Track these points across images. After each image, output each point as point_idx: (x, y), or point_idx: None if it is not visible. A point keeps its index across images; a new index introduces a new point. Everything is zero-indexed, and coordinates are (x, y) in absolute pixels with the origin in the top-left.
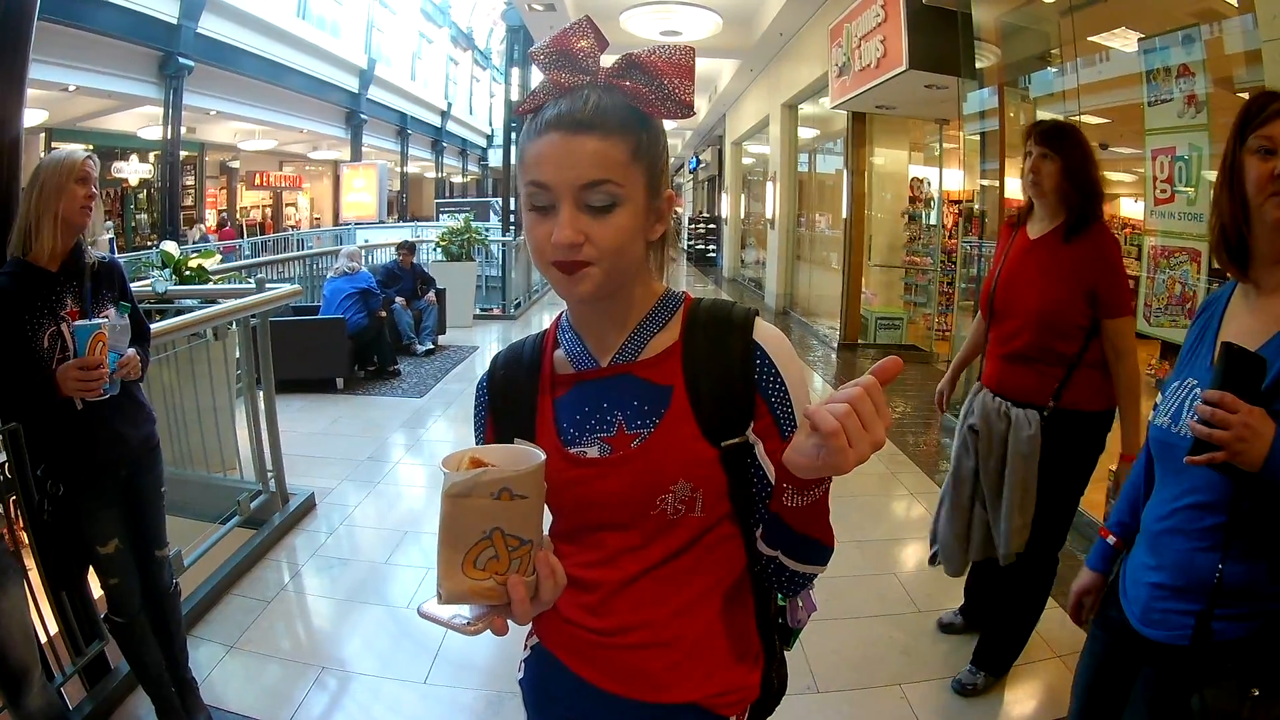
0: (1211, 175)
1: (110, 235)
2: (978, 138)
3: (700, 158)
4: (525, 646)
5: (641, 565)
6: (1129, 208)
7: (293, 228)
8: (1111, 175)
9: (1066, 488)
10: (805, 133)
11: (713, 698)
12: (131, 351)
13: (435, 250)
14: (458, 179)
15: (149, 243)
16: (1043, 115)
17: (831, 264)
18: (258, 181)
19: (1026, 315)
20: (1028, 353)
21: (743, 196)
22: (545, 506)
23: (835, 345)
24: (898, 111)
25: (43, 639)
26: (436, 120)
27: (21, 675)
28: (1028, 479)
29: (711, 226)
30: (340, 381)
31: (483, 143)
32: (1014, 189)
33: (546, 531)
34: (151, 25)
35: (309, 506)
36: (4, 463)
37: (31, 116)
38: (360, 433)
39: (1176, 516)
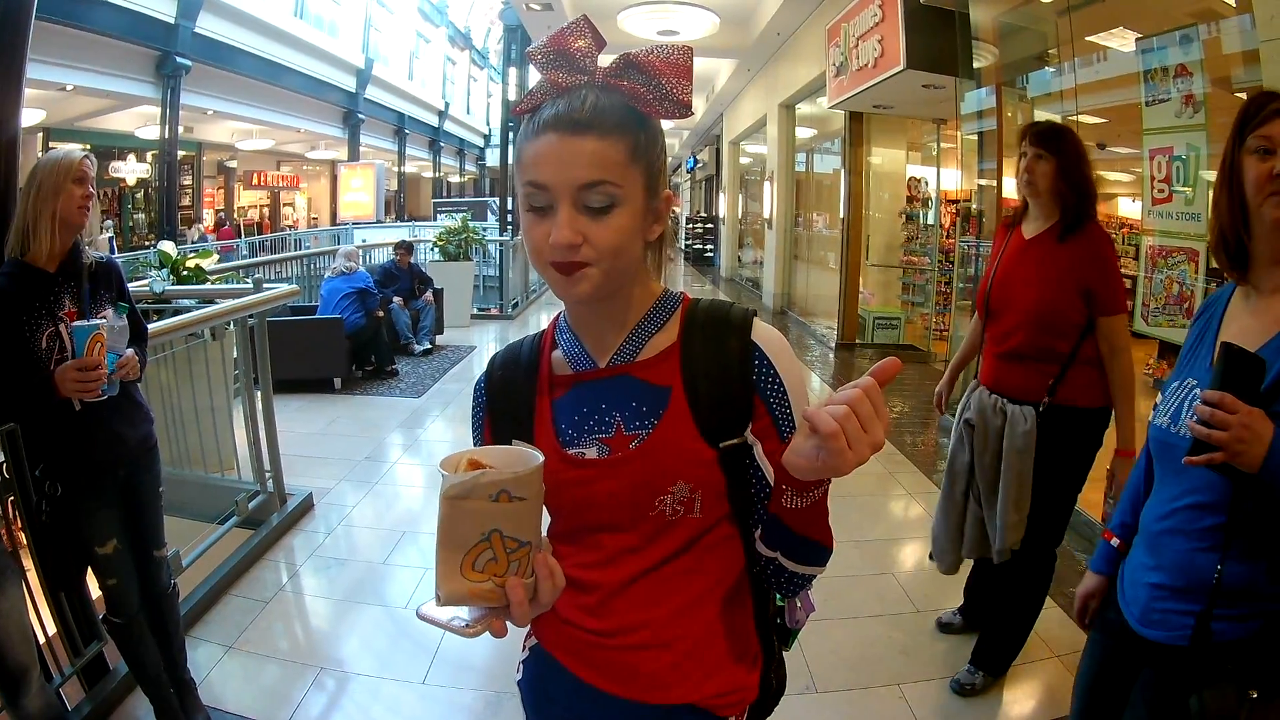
0: (1209, 175)
1: (110, 234)
2: (975, 137)
3: (698, 157)
4: (524, 647)
5: (640, 566)
6: (1127, 207)
7: (290, 227)
8: (1109, 175)
9: (1063, 485)
10: (803, 132)
11: (711, 698)
12: (130, 352)
13: (433, 250)
14: (455, 179)
15: (146, 243)
16: (1040, 115)
17: (829, 264)
18: (255, 181)
19: (1022, 314)
20: (1023, 351)
21: (740, 196)
22: (544, 508)
23: (833, 345)
24: (895, 111)
25: (41, 640)
26: (434, 120)
27: (20, 676)
28: (1024, 474)
29: (709, 226)
30: (338, 381)
31: (480, 142)
32: (1011, 189)
33: (545, 532)
34: (149, 25)
35: (307, 507)
36: (2, 463)
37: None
38: (358, 433)
39: (1176, 517)
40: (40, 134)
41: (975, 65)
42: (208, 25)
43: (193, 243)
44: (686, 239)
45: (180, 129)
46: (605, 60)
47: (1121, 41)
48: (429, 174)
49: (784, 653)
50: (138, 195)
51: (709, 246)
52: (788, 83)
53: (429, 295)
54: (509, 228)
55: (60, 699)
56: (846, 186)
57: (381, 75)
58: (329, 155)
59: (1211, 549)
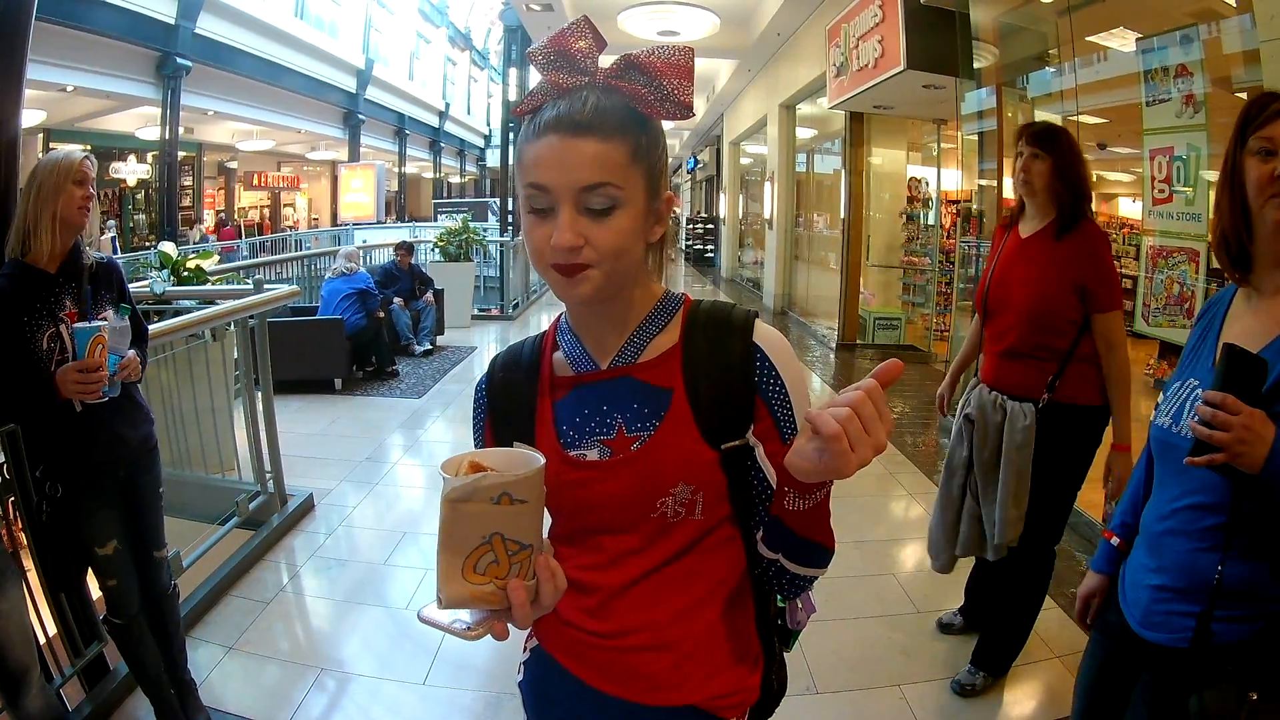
0: (1210, 175)
1: (112, 234)
2: (976, 138)
3: (698, 158)
4: (524, 649)
5: (641, 568)
6: (1127, 207)
7: (291, 228)
8: (1110, 175)
9: (1062, 482)
10: (803, 133)
11: (712, 700)
12: (132, 353)
13: (433, 251)
14: (456, 179)
15: (147, 243)
16: (1041, 115)
17: (829, 264)
18: (256, 182)
19: (1018, 312)
20: (1021, 348)
21: (741, 197)
22: (545, 510)
23: (833, 345)
24: (895, 111)
25: (41, 640)
26: (434, 120)
27: (20, 676)
28: (1023, 470)
29: (709, 227)
30: (338, 382)
31: (481, 143)
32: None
33: (546, 534)
34: (149, 25)
35: (307, 507)
36: (2, 464)
37: (29, 117)
38: (359, 433)
39: (1177, 517)
40: (41, 135)
41: (975, 65)
42: (208, 26)
43: (194, 243)
44: (687, 239)
45: (181, 130)
46: (606, 61)
47: (1122, 41)
48: (429, 175)
49: (785, 654)
50: (138, 196)
51: (709, 247)
52: (788, 83)
53: (429, 296)
54: (509, 228)
55: (60, 699)
56: (847, 187)
57: (382, 76)
58: (329, 156)
59: (1212, 549)
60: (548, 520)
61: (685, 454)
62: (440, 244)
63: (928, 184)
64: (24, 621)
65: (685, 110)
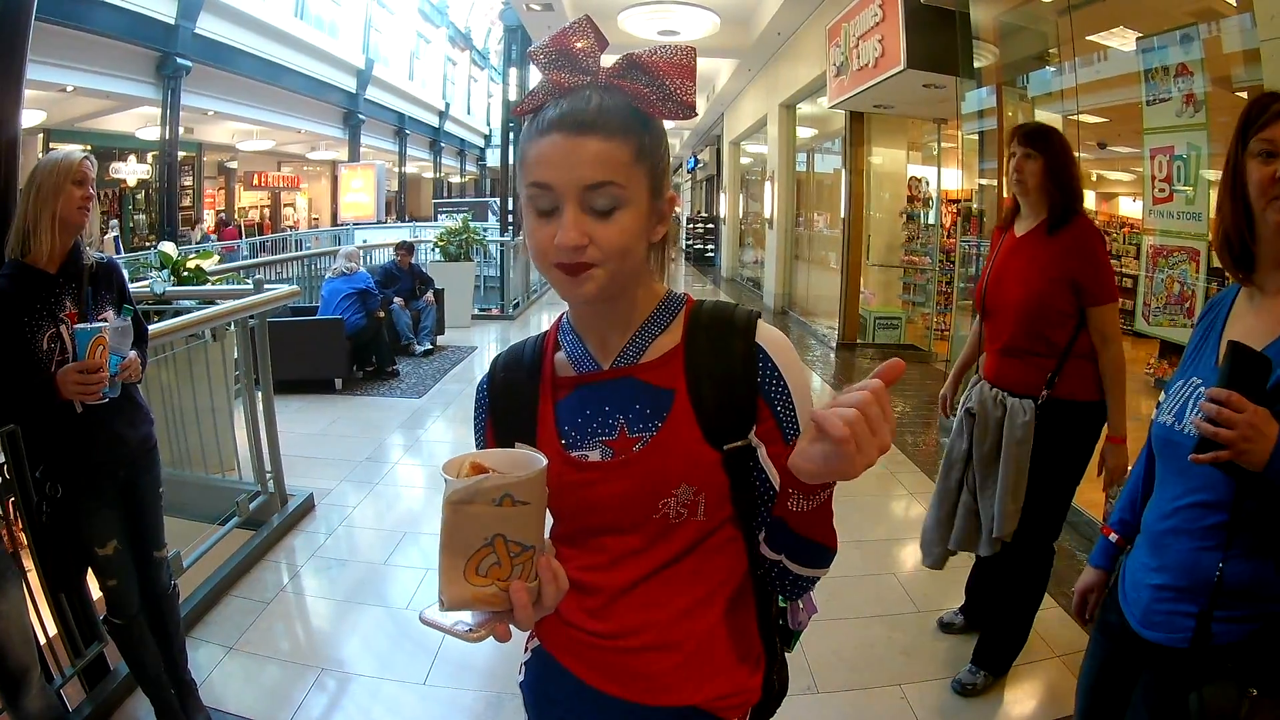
0: (1210, 174)
1: (115, 234)
2: (976, 137)
3: (698, 157)
4: (526, 649)
5: (643, 569)
6: (1128, 207)
7: (291, 228)
8: (1110, 174)
9: (1060, 477)
10: (803, 132)
11: (714, 701)
12: (133, 354)
13: (433, 250)
14: (456, 179)
15: (147, 243)
16: (1041, 115)
17: (830, 264)
18: (256, 182)
19: (1013, 308)
20: (1018, 345)
21: (741, 196)
22: (547, 510)
23: (834, 345)
24: (896, 111)
25: (42, 640)
26: (434, 120)
27: (20, 676)
28: (1021, 465)
29: (710, 226)
30: (339, 382)
31: (481, 143)
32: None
33: (548, 535)
34: (149, 25)
35: (308, 507)
36: (2, 464)
37: (29, 117)
38: (359, 433)
39: (1179, 516)
40: (41, 135)
41: (976, 65)
42: (208, 26)
43: (196, 243)
44: (687, 239)
45: (181, 130)
46: (608, 61)
47: (1122, 41)
48: (429, 174)
49: (786, 654)
50: (138, 196)
51: (710, 246)
52: (788, 83)
53: (430, 296)
54: (510, 228)
55: (61, 700)
56: (847, 186)
57: (382, 76)
58: (329, 156)
59: (1214, 548)
60: (549, 520)
61: (687, 455)
62: (440, 244)
63: (928, 183)
64: (24, 622)
65: (688, 110)
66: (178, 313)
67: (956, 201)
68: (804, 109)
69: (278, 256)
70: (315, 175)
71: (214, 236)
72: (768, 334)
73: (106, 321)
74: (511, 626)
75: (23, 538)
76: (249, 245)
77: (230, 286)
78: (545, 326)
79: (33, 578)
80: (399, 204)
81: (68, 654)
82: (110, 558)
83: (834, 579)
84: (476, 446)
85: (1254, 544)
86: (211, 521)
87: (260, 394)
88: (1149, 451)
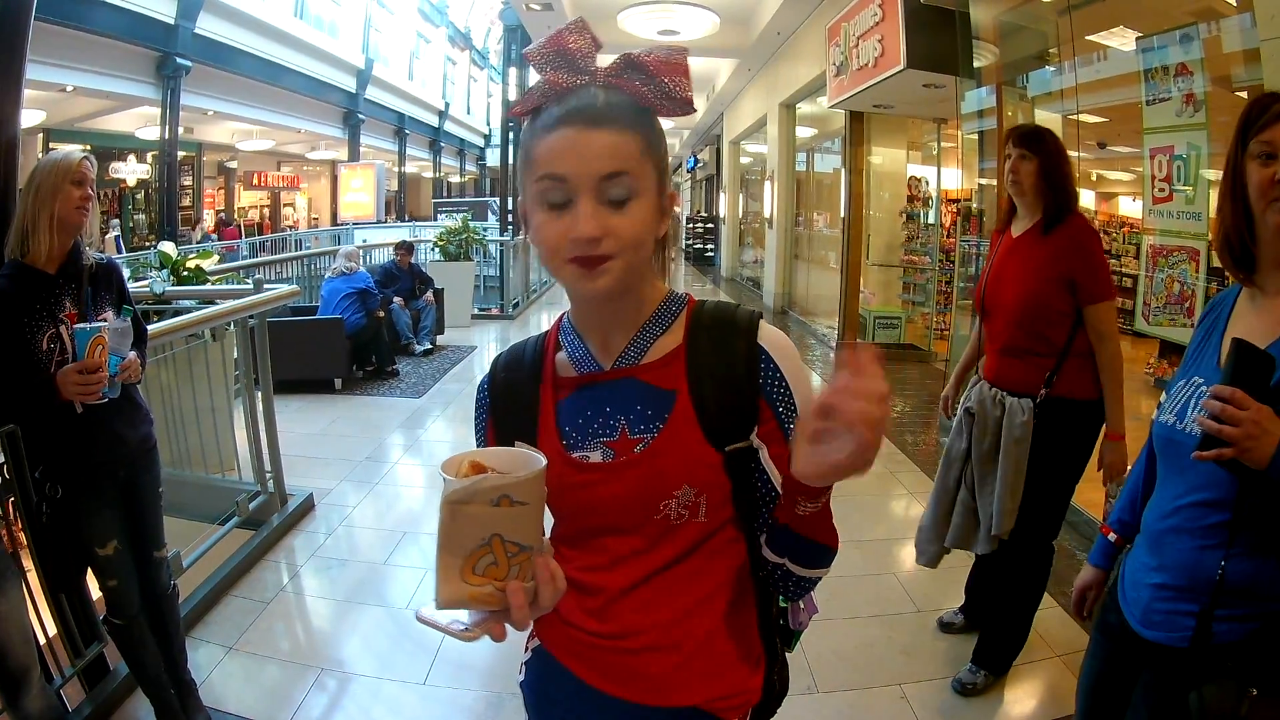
0: (1210, 174)
1: (116, 234)
2: (976, 137)
3: (698, 157)
4: (526, 649)
5: (644, 570)
6: (1127, 206)
7: (290, 228)
8: (1110, 174)
9: (1059, 476)
10: (803, 132)
11: (714, 701)
12: (132, 355)
13: (433, 250)
14: (455, 179)
15: (147, 243)
16: (1041, 114)
17: (830, 263)
18: (255, 182)
19: (1012, 309)
20: (1017, 344)
21: (741, 196)
22: (546, 509)
23: (833, 344)
24: (895, 111)
25: (42, 641)
26: (434, 120)
27: (21, 677)
28: (1020, 464)
29: (709, 226)
30: (338, 382)
31: (480, 142)
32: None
33: (548, 535)
34: (149, 25)
35: (308, 507)
36: (2, 464)
37: (29, 117)
38: (359, 433)
39: (1180, 515)
40: (40, 135)
41: (975, 65)
42: (208, 26)
43: (196, 243)
44: (687, 239)
45: (180, 130)
46: (603, 61)
47: (1122, 40)
48: (429, 174)
49: (786, 654)
50: (138, 196)
51: (709, 246)
52: (788, 82)
53: (429, 295)
54: (509, 228)
55: (61, 700)
56: (847, 186)
57: (382, 75)
58: (329, 155)
59: (1215, 547)
60: (550, 520)
61: (689, 456)
62: (440, 243)
63: (928, 183)
64: (24, 622)
65: (686, 106)
66: (177, 313)
67: (956, 201)
68: (804, 109)
69: (277, 256)
70: (315, 175)
71: (214, 236)
72: (770, 335)
73: (106, 322)
74: (508, 626)
75: (23, 538)
76: (249, 245)
77: (230, 286)
78: (545, 326)
79: (33, 578)
80: (399, 204)
81: (68, 654)
82: (110, 558)
83: (834, 579)
84: (478, 446)
85: (1256, 542)
86: (211, 521)
87: (260, 394)
88: (1149, 451)
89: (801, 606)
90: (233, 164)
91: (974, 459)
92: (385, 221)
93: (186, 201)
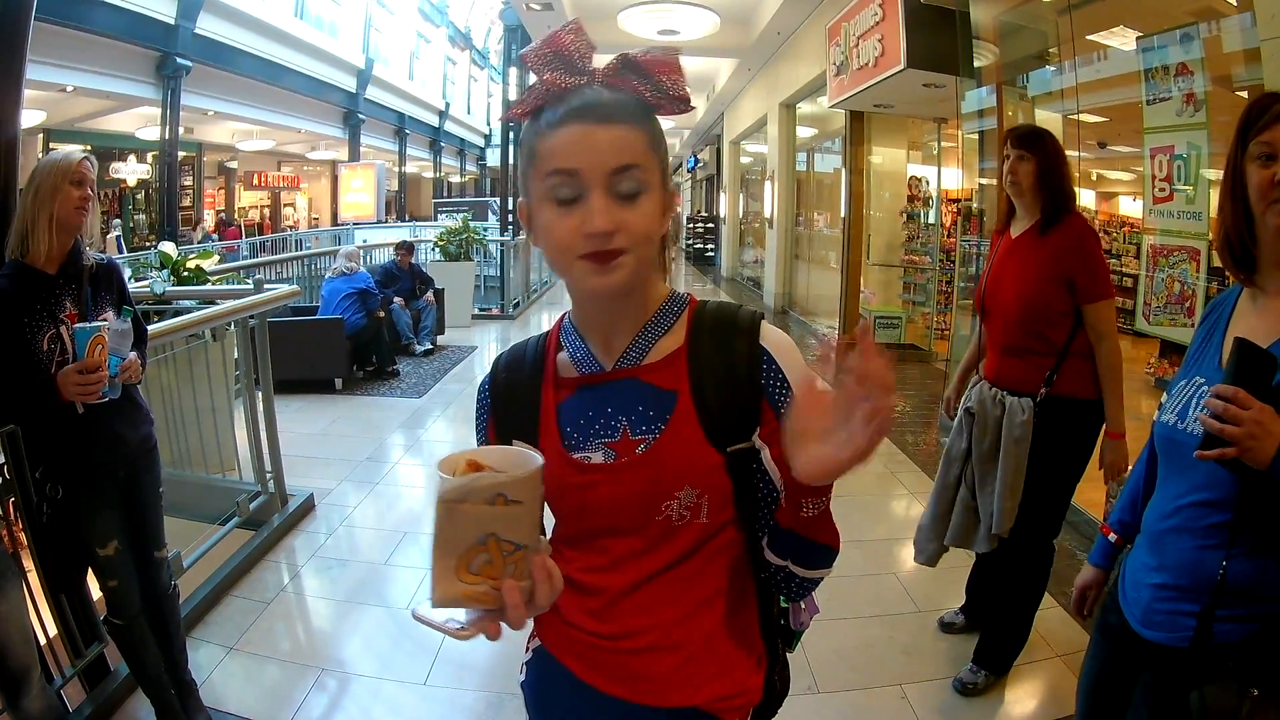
0: (1210, 174)
1: (118, 234)
2: (976, 136)
3: (698, 157)
4: (527, 649)
5: (646, 571)
6: (1128, 206)
7: (291, 228)
8: (1110, 174)
9: (1060, 475)
10: (803, 132)
11: (715, 702)
12: (133, 355)
13: (434, 250)
14: (456, 179)
15: (147, 243)
16: (1041, 114)
17: (830, 263)
18: (256, 182)
19: (1012, 309)
20: (1018, 344)
21: (741, 196)
22: (548, 509)
23: (834, 345)
24: (896, 110)
25: (42, 641)
26: (434, 120)
27: (21, 677)
28: (1020, 463)
29: (710, 226)
30: (339, 382)
31: (481, 142)
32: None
33: (550, 535)
34: (149, 25)
35: (308, 507)
36: (3, 465)
37: (29, 117)
38: (359, 433)
39: (1181, 514)
40: (41, 135)
41: (976, 64)
42: (208, 26)
43: (197, 243)
44: (688, 238)
45: (181, 130)
46: (599, 62)
47: (1122, 40)
48: (429, 174)
49: (787, 654)
50: (138, 196)
51: (710, 246)
52: (788, 82)
53: (430, 295)
54: (510, 228)
55: (61, 700)
56: (847, 186)
57: (382, 75)
58: (329, 156)
59: (1216, 547)
60: (551, 520)
61: (691, 457)
62: (440, 243)
63: (928, 183)
64: (24, 622)
65: (683, 104)
66: (178, 313)
67: (957, 201)
68: (804, 108)
69: (278, 256)
70: (315, 175)
71: (216, 236)
72: (772, 335)
73: (106, 321)
74: (505, 626)
75: (23, 538)
76: (249, 245)
77: (230, 286)
78: (546, 326)
79: (33, 578)
80: (399, 204)
81: (68, 654)
82: (111, 558)
83: (834, 579)
84: (479, 446)
85: (1257, 543)
86: (212, 522)
87: (260, 394)
88: (1150, 452)
89: (803, 606)
90: (233, 164)
91: (974, 458)
92: (386, 221)
93: (187, 202)
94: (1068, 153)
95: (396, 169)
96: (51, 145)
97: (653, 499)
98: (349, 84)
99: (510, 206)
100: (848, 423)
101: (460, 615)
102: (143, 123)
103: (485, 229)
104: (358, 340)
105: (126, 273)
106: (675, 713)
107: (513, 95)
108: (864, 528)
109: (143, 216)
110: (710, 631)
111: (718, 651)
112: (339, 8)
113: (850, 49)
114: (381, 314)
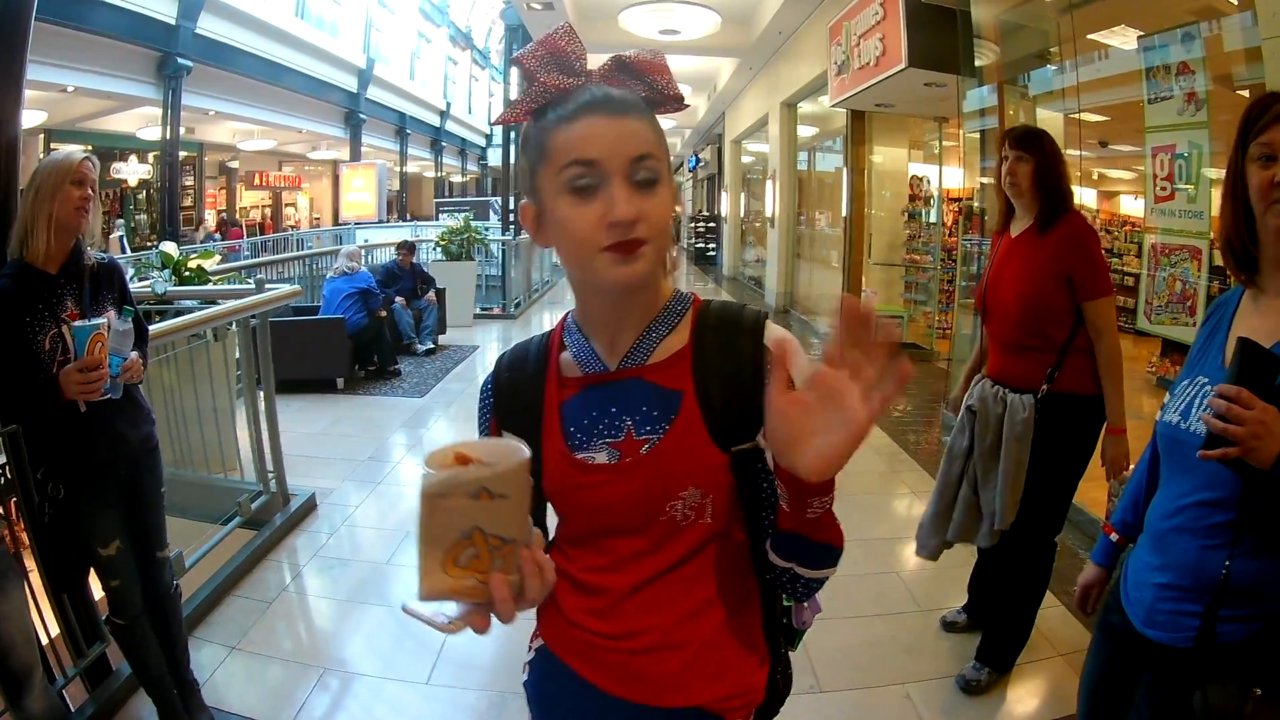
0: (1211, 173)
1: (121, 233)
2: (977, 135)
3: (700, 156)
4: (530, 648)
5: (650, 571)
6: (1129, 205)
7: (292, 228)
8: (1111, 173)
9: (1062, 472)
10: (804, 131)
11: (718, 701)
12: (134, 355)
13: (435, 250)
14: (457, 178)
15: (149, 243)
16: (1042, 113)
17: (831, 262)
18: (257, 181)
19: (1012, 309)
20: (1018, 342)
21: (742, 195)
22: (548, 505)
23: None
24: (897, 109)
25: (44, 641)
26: (435, 120)
27: (23, 677)
28: (1021, 460)
29: (711, 225)
30: (340, 382)
31: (482, 142)
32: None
33: (553, 535)
34: (150, 25)
35: (310, 507)
36: (4, 465)
37: (30, 117)
38: (361, 433)
39: (1184, 514)
40: (41, 135)
41: (977, 63)
42: (209, 26)
43: (201, 242)
44: (689, 238)
45: (182, 130)
46: (591, 65)
47: (1123, 39)
48: (431, 174)
49: (789, 653)
50: (139, 196)
51: (711, 245)
52: (789, 81)
53: (431, 295)
54: (511, 227)
55: (63, 700)
56: (848, 185)
57: (383, 75)
58: (331, 155)
59: (1219, 546)
60: (554, 520)
61: (695, 457)
62: (442, 243)
63: (929, 182)
64: (26, 622)
65: (677, 102)
66: (179, 313)
67: (958, 200)
68: (805, 108)
69: (279, 256)
70: (316, 175)
71: (218, 236)
72: (776, 335)
73: (106, 320)
74: (494, 619)
75: (25, 538)
76: (250, 245)
77: (232, 286)
78: (547, 326)
79: (35, 578)
80: (400, 203)
81: (70, 654)
82: (113, 558)
83: (836, 578)
84: None
85: (1261, 542)
86: (214, 521)
87: (262, 394)
88: (1152, 451)
89: (805, 605)
90: (234, 164)
91: (976, 456)
92: (387, 221)
93: (188, 201)
94: (1069, 152)
95: (398, 169)
96: (53, 145)
97: (657, 499)
98: (350, 84)
99: (511, 206)
100: (839, 408)
101: (448, 608)
102: (144, 123)
103: (486, 228)
104: (359, 340)
105: (128, 272)
106: (678, 713)
107: (514, 95)
108: (866, 526)
109: (144, 216)
110: (713, 631)
111: (721, 651)
112: (340, 8)
113: (851, 48)
114: (383, 314)
